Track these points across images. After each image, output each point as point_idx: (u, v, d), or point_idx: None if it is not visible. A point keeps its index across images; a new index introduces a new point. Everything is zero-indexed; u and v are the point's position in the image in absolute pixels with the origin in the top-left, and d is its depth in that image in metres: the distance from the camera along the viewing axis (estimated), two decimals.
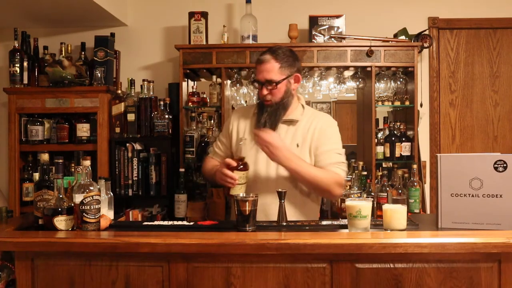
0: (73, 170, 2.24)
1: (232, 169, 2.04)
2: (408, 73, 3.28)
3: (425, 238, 1.69)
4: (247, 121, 2.29)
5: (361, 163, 3.07)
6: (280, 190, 1.96)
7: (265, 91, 2.14)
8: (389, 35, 3.35)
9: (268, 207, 2.12)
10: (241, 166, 2.05)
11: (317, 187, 2.13)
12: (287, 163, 2.06)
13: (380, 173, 2.92)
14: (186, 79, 3.30)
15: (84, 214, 1.80)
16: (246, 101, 3.33)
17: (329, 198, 2.77)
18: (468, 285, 1.69)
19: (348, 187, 2.96)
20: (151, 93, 3.31)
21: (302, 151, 2.17)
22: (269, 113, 2.16)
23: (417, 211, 2.71)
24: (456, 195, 1.86)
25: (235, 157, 2.17)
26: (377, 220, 1.96)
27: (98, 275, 1.74)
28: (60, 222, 1.80)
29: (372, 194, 2.88)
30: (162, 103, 3.21)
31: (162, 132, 3.19)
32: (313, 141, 2.18)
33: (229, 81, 3.28)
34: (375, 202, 2.77)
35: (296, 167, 2.06)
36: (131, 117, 3.22)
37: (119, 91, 3.33)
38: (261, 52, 2.21)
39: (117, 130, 3.23)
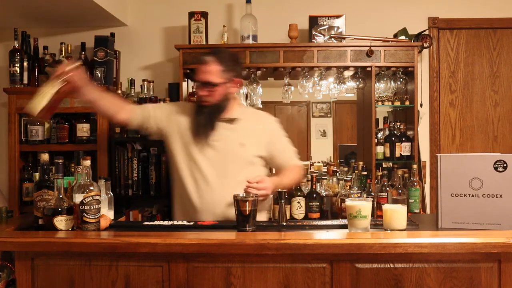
0: (73, 170, 2.24)
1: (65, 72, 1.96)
2: (408, 73, 3.28)
3: (425, 238, 1.69)
4: (186, 117, 2.29)
5: (361, 163, 3.07)
6: (280, 190, 1.96)
7: (204, 92, 2.19)
8: (389, 35, 3.35)
9: (216, 207, 2.17)
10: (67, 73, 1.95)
11: (293, 185, 2.62)
12: (275, 190, 2.16)
13: (380, 173, 2.92)
14: (186, 79, 3.30)
15: (84, 214, 1.80)
16: (246, 101, 3.33)
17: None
18: (468, 285, 1.69)
19: (348, 187, 2.96)
20: (151, 93, 3.31)
21: (248, 150, 2.23)
22: (206, 115, 2.21)
23: (417, 211, 2.71)
24: (456, 195, 1.86)
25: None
26: (377, 220, 1.96)
27: (98, 275, 1.74)
28: (60, 222, 1.80)
29: (372, 194, 2.88)
30: (162, 103, 3.20)
31: None
32: (263, 142, 2.27)
33: None
34: (375, 202, 2.77)
35: (281, 188, 2.15)
36: None
37: (119, 91, 3.33)
38: (206, 53, 2.24)
39: (117, 130, 3.23)
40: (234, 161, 2.21)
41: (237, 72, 2.27)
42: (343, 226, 1.90)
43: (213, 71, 2.17)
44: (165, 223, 2.01)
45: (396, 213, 1.82)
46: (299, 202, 2.90)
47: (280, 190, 1.97)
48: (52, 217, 1.80)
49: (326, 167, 3.39)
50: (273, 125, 2.35)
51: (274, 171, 2.48)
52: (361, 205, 1.80)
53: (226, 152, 2.21)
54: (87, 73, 3.19)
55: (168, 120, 2.30)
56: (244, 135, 2.24)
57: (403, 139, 3.23)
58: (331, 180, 3.15)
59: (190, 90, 3.30)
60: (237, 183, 2.14)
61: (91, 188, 1.82)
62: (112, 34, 3.46)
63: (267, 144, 2.28)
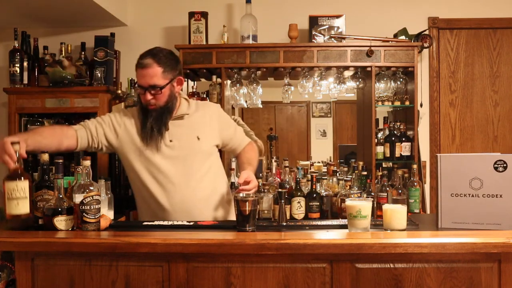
0: (73, 170, 2.23)
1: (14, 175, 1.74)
2: (408, 73, 3.28)
3: (425, 238, 1.69)
4: (133, 124, 2.22)
5: (361, 163, 3.07)
6: (280, 190, 1.96)
7: (149, 96, 2.11)
8: (389, 35, 3.35)
9: (187, 205, 2.18)
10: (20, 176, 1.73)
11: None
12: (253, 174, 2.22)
13: (380, 173, 2.92)
14: (186, 79, 3.30)
15: (84, 214, 1.80)
16: (246, 101, 3.33)
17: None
18: (468, 285, 1.69)
19: (348, 187, 2.96)
20: None
21: (204, 142, 2.23)
22: (155, 118, 2.15)
23: (417, 211, 2.71)
24: (456, 195, 1.86)
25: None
26: (377, 220, 1.96)
27: (98, 275, 1.74)
28: (60, 222, 1.80)
29: (372, 194, 2.88)
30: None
31: None
32: (215, 130, 2.28)
33: (229, 81, 3.28)
34: (375, 202, 2.77)
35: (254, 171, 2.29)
36: None
37: (119, 91, 3.32)
38: (141, 55, 2.14)
39: None
40: (194, 156, 2.21)
41: (178, 69, 2.20)
42: (343, 226, 1.90)
43: (155, 73, 2.09)
44: (165, 223, 2.01)
45: (396, 213, 1.82)
46: (299, 202, 2.90)
47: (280, 190, 1.97)
48: (52, 217, 1.80)
49: (326, 167, 3.39)
50: (218, 112, 2.35)
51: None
52: (361, 205, 1.80)
53: (184, 149, 2.19)
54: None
55: (115, 133, 2.21)
56: (197, 128, 2.23)
57: (403, 139, 3.23)
58: (331, 180, 3.15)
59: (190, 90, 3.30)
60: (201, 177, 2.20)
61: (91, 188, 1.82)
62: (112, 34, 3.45)
63: (219, 131, 2.29)
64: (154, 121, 2.15)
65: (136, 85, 2.17)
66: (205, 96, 3.30)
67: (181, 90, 2.26)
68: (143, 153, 2.18)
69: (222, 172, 2.40)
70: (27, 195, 1.73)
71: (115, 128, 2.21)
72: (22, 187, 1.72)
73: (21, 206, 1.71)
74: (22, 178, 1.73)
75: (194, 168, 2.20)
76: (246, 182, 2.06)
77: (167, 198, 2.17)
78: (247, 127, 2.63)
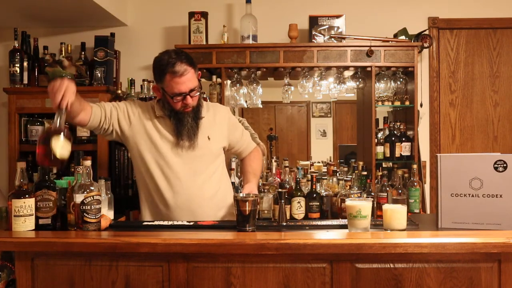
0: (73, 170, 2.23)
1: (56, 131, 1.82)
2: (408, 73, 3.28)
3: (425, 238, 1.69)
4: (149, 118, 2.20)
5: (361, 163, 3.07)
6: (280, 190, 1.96)
7: (190, 100, 2.11)
8: (389, 35, 3.35)
9: (191, 203, 2.17)
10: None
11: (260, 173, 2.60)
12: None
13: (380, 173, 2.92)
14: None
15: (85, 214, 1.80)
16: (246, 101, 3.33)
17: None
18: (468, 285, 1.69)
19: (348, 187, 2.96)
20: (151, 93, 3.31)
21: (214, 142, 2.25)
22: (192, 117, 2.17)
23: (417, 211, 2.71)
24: (456, 195, 1.86)
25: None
26: (377, 220, 1.96)
27: (98, 275, 1.74)
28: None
29: (372, 194, 2.88)
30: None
31: None
32: (223, 132, 2.30)
33: (229, 81, 3.28)
34: (375, 202, 2.77)
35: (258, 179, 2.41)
36: None
37: (119, 91, 3.32)
38: (165, 62, 2.07)
39: None
40: (204, 156, 2.21)
41: (197, 65, 2.21)
42: (343, 226, 1.90)
43: (192, 76, 2.11)
44: (165, 223, 2.01)
45: (396, 213, 1.82)
46: (299, 202, 2.90)
47: (280, 190, 1.96)
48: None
49: (326, 167, 3.39)
50: (228, 114, 2.36)
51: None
52: (361, 205, 1.80)
53: (195, 148, 2.19)
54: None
55: (128, 120, 2.20)
56: (207, 128, 2.23)
57: (403, 139, 3.23)
58: (331, 180, 3.15)
59: None
60: (208, 177, 2.21)
61: (92, 188, 1.82)
62: (112, 34, 3.46)
63: (227, 134, 2.31)
64: (192, 120, 2.17)
65: (168, 95, 2.11)
66: (204, 96, 3.30)
67: None
68: (156, 147, 2.18)
69: (227, 173, 2.41)
70: (69, 148, 1.82)
71: (129, 116, 2.21)
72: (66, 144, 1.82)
73: (64, 151, 1.81)
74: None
75: (202, 168, 2.21)
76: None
77: (173, 193, 2.17)
78: (252, 130, 2.63)
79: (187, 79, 2.08)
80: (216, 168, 2.27)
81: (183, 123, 2.15)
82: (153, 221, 2.05)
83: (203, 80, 3.54)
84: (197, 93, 2.15)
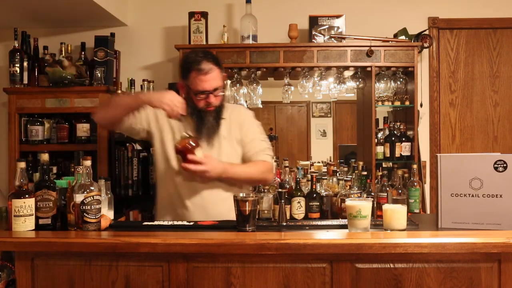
0: (73, 170, 2.24)
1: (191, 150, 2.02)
2: (408, 73, 3.28)
3: (425, 238, 1.69)
4: (172, 122, 2.23)
5: (361, 163, 3.07)
6: (280, 190, 1.96)
7: (213, 99, 2.14)
8: (389, 35, 3.35)
9: (206, 203, 2.17)
10: (196, 145, 2.03)
11: (253, 181, 2.39)
12: (224, 176, 2.13)
13: (380, 173, 2.92)
14: None
15: (85, 214, 1.80)
16: (246, 101, 3.33)
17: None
18: (468, 285, 1.70)
19: (348, 187, 2.96)
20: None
21: (229, 143, 2.23)
22: (214, 117, 2.19)
23: (417, 211, 2.71)
24: (456, 195, 1.86)
25: (185, 137, 2.06)
26: (377, 220, 1.96)
27: (98, 275, 1.74)
28: None
29: (372, 194, 2.88)
30: None
31: None
32: (238, 134, 2.25)
33: (229, 81, 3.28)
34: (375, 202, 2.77)
35: (232, 175, 2.15)
36: None
37: (119, 91, 3.33)
38: (192, 60, 2.13)
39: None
40: (219, 155, 2.20)
41: (223, 67, 2.26)
42: (343, 226, 1.90)
43: (217, 75, 2.15)
44: (165, 223, 2.01)
45: (396, 213, 1.82)
46: (299, 202, 2.90)
47: (280, 190, 1.96)
48: None
49: (326, 167, 3.39)
50: (245, 116, 2.33)
51: None
52: (361, 205, 1.80)
53: (212, 147, 2.20)
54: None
55: (156, 120, 2.24)
56: (224, 128, 2.24)
57: (403, 139, 3.23)
58: (331, 180, 3.15)
59: None
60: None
61: (92, 188, 1.82)
62: (112, 34, 3.46)
63: (242, 136, 2.27)
64: (213, 119, 2.18)
65: (193, 92, 2.15)
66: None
67: None
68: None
69: None
70: None
71: (158, 117, 2.24)
72: None
73: None
74: None
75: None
76: (202, 161, 2.03)
77: (188, 191, 2.17)
78: (270, 147, 2.48)
79: (212, 77, 2.12)
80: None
81: (204, 122, 2.17)
82: (153, 221, 2.05)
83: None
84: (221, 93, 2.17)
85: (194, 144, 2.03)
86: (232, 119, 2.27)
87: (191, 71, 2.13)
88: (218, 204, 2.17)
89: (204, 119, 2.17)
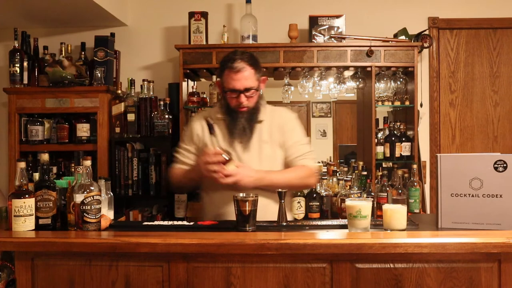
0: (73, 170, 2.24)
1: (223, 163, 2.03)
2: (408, 73, 3.28)
3: (425, 238, 1.69)
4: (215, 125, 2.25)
5: (361, 163, 3.07)
6: (280, 190, 1.96)
7: (244, 99, 2.13)
8: (389, 35, 3.35)
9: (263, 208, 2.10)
10: (229, 159, 2.04)
11: (293, 187, 2.31)
12: (260, 184, 2.09)
13: (380, 173, 2.92)
14: (186, 79, 3.30)
15: (85, 214, 1.80)
16: None
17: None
18: (468, 285, 1.70)
19: (348, 187, 2.96)
20: (151, 93, 3.31)
21: (271, 147, 2.21)
22: (246, 119, 2.17)
23: (417, 211, 2.71)
24: (456, 195, 1.86)
25: (219, 151, 2.07)
26: (377, 220, 1.96)
27: (98, 275, 1.74)
28: None
29: (372, 194, 2.88)
30: (162, 103, 3.21)
31: (162, 132, 3.19)
32: (279, 137, 2.21)
33: None
34: (375, 202, 2.77)
35: (268, 183, 2.11)
36: (131, 117, 3.22)
37: (119, 91, 3.33)
38: (228, 58, 2.15)
39: (117, 130, 3.24)
40: (257, 159, 2.18)
41: (262, 70, 2.24)
42: (343, 226, 1.90)
43: (250, 76, 2.13)
44: (165, 223, 2.01)
45: (396, 213, 1.82)
46: (299, 202, 2.90)
47: (280, 190, 1.96)
48: None
49: (326, 167, 3.39)
50: (288, 119, 2.28)
51: None
52: (361, 205, 1.80)
53: (249, 150, 2.18)
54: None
55: (197, 141, 2.26)
56: (265, 131, 2.21)
57: (403, 139, 3.23)
58: (331, 180, 3.16)
59: (190, 90, 3.30)
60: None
61: (92, 188, 1.82)
62: (112, 34, 3.46)
63: (284, 139, 2.22)
64: (246, 121, 2.17)
65: (225, 90, 2.16)
66: (205, 96, 3.30)
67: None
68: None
69: None
70: None
71: (194, 135, 2.26)
72: None
73: None
74: None
75: (259, 166, 2.17)
76: (233, 173, 2.01)
77: (231, 199, 2.13)
78: (311, 149, 2.42)
79: (243, 76, 2.11)
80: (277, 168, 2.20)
81: (236, 123, 2.16)
82: (153, 221, 2.05)
83: (203, 80, 3.54)
84: (254, 94, 2.15)
85: (226, 158, 2.03)
86: (273, 122, 2.24)
87: (224, 69, 2.15)
88: (259, 211, 2.05)
89: (236, 120, 2.17)
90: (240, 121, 2.16)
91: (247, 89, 2.13)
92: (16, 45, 3.30)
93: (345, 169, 3.29)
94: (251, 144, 2.19)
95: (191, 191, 2.74)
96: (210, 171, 2.02)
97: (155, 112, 3.22)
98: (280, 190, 1.96)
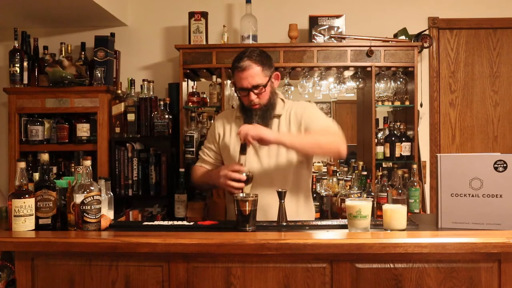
0: (73, 170, 2.24)
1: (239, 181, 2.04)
2: (408, 73, 3.28)
3: (425, 238, 1.69)
4: (231, 125, 2.30)
5: (361, 163, 3.07)
6: (280, 190, 1.96)
7: (253, 96, 2.14)
8: (389, 35, 3.35)
9: (267, 204, 2.11)
10: (249, 180, 2.04)
11: (323, 148, 2.11)
12: (282, 140, 2.04)
13: (380, 173, 2.92)
14: (186, 79, 3.30)
15: (85, 214, 1.80)
16: None
17: (338, 156, 2.38)
18: (468, 285, 1.70)
19: (348, 187, 2.96)
20: (151, 93, 3.31)
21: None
22: (260, 116, 2.18)
23: (417, 211, 2.71)
24: (456, 195, 1.86)
25: (242, 169, 2.08)
26: (377, 220, 1.96)
27: (98, 275, 1.74)
28: None
29: (372, 194, 2.88)
30: (162, 103, 3.21)
31: (162, 132, 3.19)
32: (297, 129, 2.18)
33: (229, 81, 3.28)
34: (375, 202, 2.77)
35: (290, 140, 2.06)
36: (131, 117, 3.22)
37: (119, 91, 3.33)
38: (236, 58, 2.18)
39: (117, 130, 3.24)
40: (278, 154, 2.18)
41: (273, 65, 2.24)
42: (343, 226, 1.90)
43: (256, 73, 2.13)
44: (165, 223, 2.01)
45: (396, 213, 1.82)
46: None
47: (280, 190, 1.96)
48: None
49: (326, 167, 3.39)
50: (306, 108, 2.24)
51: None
52: (361, 205, 1.80)
53: (271, 146, 2.16)
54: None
55: (218, 143, 2.31)
56: (283, 126, 2.21)
57: (403, 139, 3.23)
58: (331, 180, 3.15)
59: (190, 90, 3.30)
60: (283, 177, 2.18)
61: (92, 188, 1.82)
62: (112, 34, 3.46)
63: (303, 126, 2.19)
64: (260, 118, 2.17)
65: (236, 89, 2.19)
66: (205, 96, 3.30)
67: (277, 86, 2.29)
68: (230, 145, 2.24)
69: (308, 182, 2.32)
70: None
71: (216, 135, 2.31)
72: None
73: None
74: None
75: (277, 168, 2.18)
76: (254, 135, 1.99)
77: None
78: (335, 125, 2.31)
79: (249, 74, 2.12)
80: (291, 169, 2.20)
81: (251, 121, 2.17)
82: (153, 221, 2.05)
83: (203, 80, 3.54)
84: (263, 91, 2.15)
85: (247, 177, 2.03)
86: (291, 116, 2.23)
87: (234, 69, 2.18)
88: (260, 211, 2.03)
89: (251, 117, 2.18)
90: (254, 118, 2.17)
91: (254, 87, 2.13)
92: (16, 45, 3.30)
93: (345, 169, 3.29)
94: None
95: (209, 190, 2.80)
96: (228, 185, 2.04)
97: (155, 112, 3.22)
98: (280, 190, 1.96)
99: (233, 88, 3.28)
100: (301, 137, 2.12)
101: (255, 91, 2.14)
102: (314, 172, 3.23)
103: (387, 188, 2.75)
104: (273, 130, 2.18)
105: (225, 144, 2.28)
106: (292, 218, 2.04)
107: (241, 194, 1.88)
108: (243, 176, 2.02)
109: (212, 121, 3.27)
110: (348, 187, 2.96)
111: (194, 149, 3.14)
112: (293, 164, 2.20)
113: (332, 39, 3.25)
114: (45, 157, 1.94)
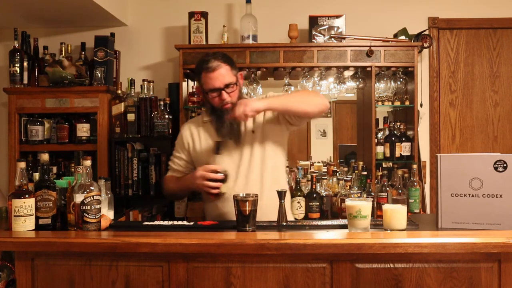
0: (73, 170, 2.24)
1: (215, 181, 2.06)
2: (408, 73, 3.28)
3: (425, 238, 1.69)
4: (199, 131, 2.30)
5: (361, 163, 3.07)
6: (280, 190, 1.96)
7: (225, 95, 2.15)
8: (389, 35, 3.35)
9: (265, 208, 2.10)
10: (225, 179, 2.07)
11: (311, 102, 2.24)
12: (271, 105, 2.12)
13: (380, 173, 2.92)
14: (186, 79, 3.30)
15: (85, 214, 1.80)
16: None
17: (325, 108, 2.42)
18: (468, 285, 1.70)
19: (348, 187, 2.96)
20: (151, 93, 3.31)
21: (258, 134, 2.23)
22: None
23: (417, 211, 2.71)
24: (456, 195, 1.86)
25: (217, 168, 2.11)
26: (377, 220, 1.96)
27: (98, 275, 1.74)
28: None
29: (372, 194, 2.88)
30: (162, 103, 3.21)
31: (162, 132, 3.19)
32: (267, 115, 2.24)
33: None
34: (375, 202, 2.77)
35: (276, 102, 2.13)
36: (131, 117, 3.22)
37: (119, 91, 3.33)
38: (201, 61, 2.19)
39: (117, 130, 3.24)
40: (252, 149, 2.21)
41: (237, 67, 2.28)
42: (343, 226, 1.90)
43: (226, 72, 2.16)
44: (165, 223, 2.01)
45: (396, 213, 1.82)
46: (299, 202, 2.90)
47: (280, 190, 1.96)
48: None
49: (326, 167, 3.39)
50: (275, 94, 2.29)
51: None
52: (361, 205, 1.80)
53: (244, 143, 2.21)
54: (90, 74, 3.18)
55: (188, 151, 2.31)
56: (252, 121, 2.23)
57: (403, 139, 3.23)
58: (331, 180, 3.15)
59: (190, 90, 3.30)
60: (257, 170, 2.20)
61: (92, 188, 1.82)
62: (112, 34, 3.46)
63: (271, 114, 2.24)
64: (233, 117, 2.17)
65: (205, 92, 2.19)
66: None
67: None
68: (201, 151, 2.26)
69: (282, 167, 2.35)
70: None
71: (187, 148, 2.31)
72: None
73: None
74: None
75: (249, 162, 2.21)
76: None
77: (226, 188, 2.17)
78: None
79: (220, 74, 2.14)
80: (270, 164, 2.23)
81: (222, 121, 2.18)
82: (153, 221, 2.05)
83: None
84: (234, 89, 2.17)
85: (223, 177, 2.06)
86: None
87: (201, 72, 2.18)
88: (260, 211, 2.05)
89: (222, 117, 2.18)
90: (226, 118, 2.18)
91: (226, 85, 2.15)
92: (16, 45, 3.30)
93: (345, 169, 3.29)
94: (241, 137, 2.22)
95: (182, 199, 2.83)
96: (205, 186, 2.06)
97: (155, 112, 3.22)
98: (279, 190, 1.96)
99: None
100: (287, 97, 2.22)
101: (227, 90, 2.15)
102: (314, 172, 3.23)
103: (387, 188, 2.75)
104: (251, 120, 2.20)
105: (197, 151, 2.28)
106: (275, 214, 2.00)
107: (240, 194, 1.88)
108: (220, 176, 2.05)
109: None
110: (348, 187, 2.96)
111: None
112: (266, 159, 2.22)
113: (332, 39, 3.25)
114: (45, 157, 1.94)
